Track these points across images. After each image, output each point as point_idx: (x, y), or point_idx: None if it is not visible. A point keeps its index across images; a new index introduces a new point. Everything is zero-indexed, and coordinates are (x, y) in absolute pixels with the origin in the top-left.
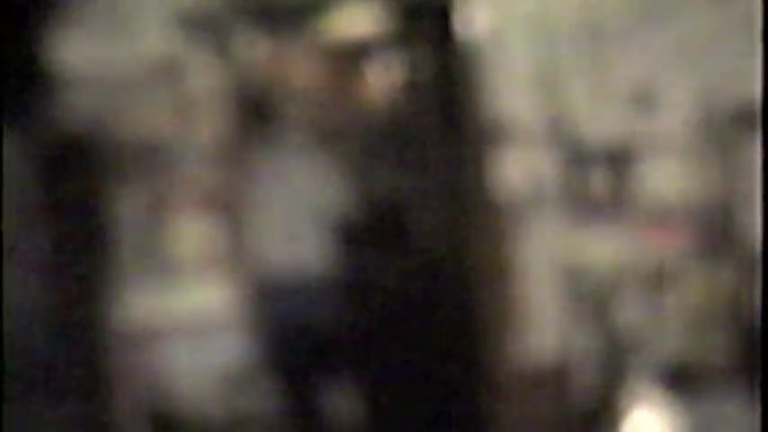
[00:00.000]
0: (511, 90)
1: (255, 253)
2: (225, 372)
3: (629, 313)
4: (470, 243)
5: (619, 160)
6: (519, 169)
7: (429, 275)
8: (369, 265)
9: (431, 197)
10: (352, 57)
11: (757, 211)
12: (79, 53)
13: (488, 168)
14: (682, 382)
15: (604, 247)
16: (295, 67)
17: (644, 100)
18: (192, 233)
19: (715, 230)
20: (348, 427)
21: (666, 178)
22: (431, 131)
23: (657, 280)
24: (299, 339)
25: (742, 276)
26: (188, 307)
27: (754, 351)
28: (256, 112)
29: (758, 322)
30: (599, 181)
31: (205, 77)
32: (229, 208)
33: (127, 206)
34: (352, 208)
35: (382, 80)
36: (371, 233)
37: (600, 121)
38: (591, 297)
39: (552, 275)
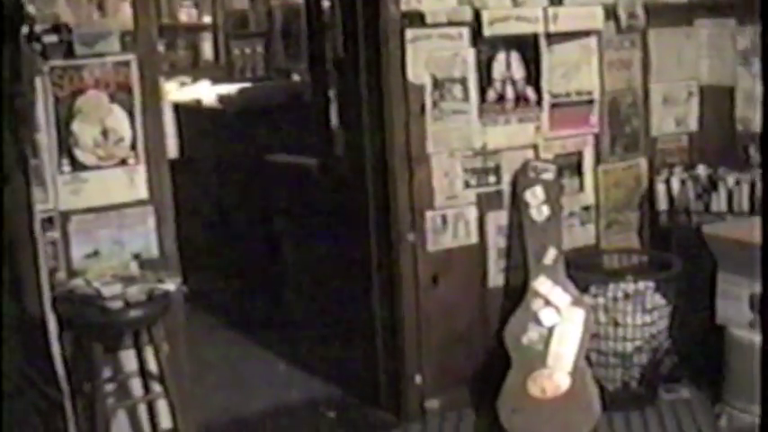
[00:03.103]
0: None
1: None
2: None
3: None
4: (388, 125)
5: (527, 49)
6: (432, 57)
7: (352, 155)
8: (293, 144)
9: (350, 84)
10: None
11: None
12: None
13: (404, 56)
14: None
15: (509, 133)
16: None
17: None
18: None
19: (619, 119)
20: None
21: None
22: (351, 24)
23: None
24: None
25: (644, 160)
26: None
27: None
28: None
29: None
30: (506, 69)
31: None
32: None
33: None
34: (273, 91)
35: None
36: (292, 114)
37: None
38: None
39: (461, 156)
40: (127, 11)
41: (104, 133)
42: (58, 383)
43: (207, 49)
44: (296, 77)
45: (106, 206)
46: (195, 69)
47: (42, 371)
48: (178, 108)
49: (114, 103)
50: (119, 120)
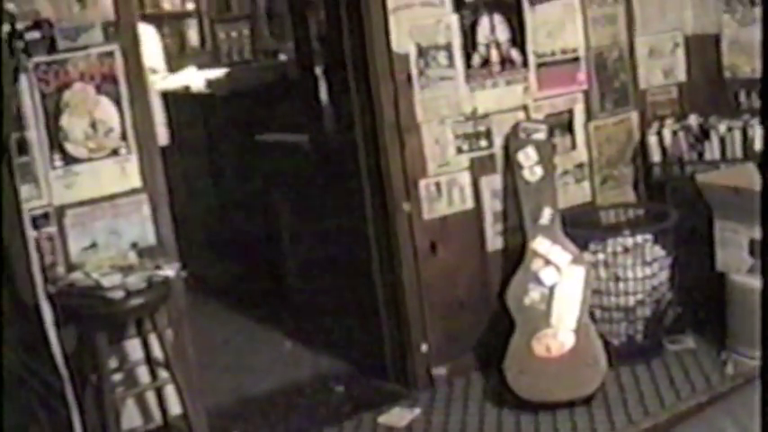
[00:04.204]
0: None
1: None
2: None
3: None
4: (376, 96)
5: (510, 10)
6: (415, 25)
7: (342, 130)
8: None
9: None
10: None
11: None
12: None
13: (387, 26)
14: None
15: (497, 96)
16: None
17: None
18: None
19: (606, 75)
20: None
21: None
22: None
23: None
24: None
25: (634, 114)
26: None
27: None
28: None
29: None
30: (490, 32)
31: None
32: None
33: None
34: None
35: None
36: (281, 94)
37: None
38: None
39: (451, 122)
40: (107, 2)
41: (93, 125)
42: (57, 370)
43: (192, 36)
44: (283, 57)
45: (100, 197)
46: (182, 56)
47: (42, 359)
48: (167, 96)
49: (101, 94)
50: (107, 111)
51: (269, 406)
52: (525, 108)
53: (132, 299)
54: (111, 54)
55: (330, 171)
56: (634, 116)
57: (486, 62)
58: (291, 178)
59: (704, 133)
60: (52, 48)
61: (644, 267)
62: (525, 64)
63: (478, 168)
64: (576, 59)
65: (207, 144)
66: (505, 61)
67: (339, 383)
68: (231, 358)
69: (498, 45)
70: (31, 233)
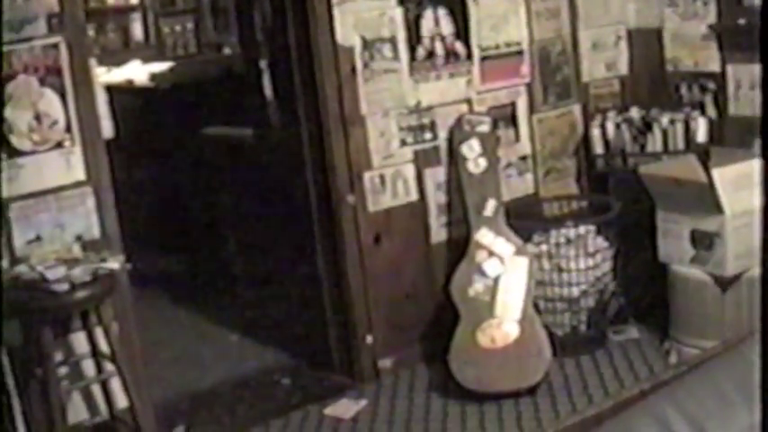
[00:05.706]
0: None
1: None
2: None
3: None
4: (320, 89)
5: (455, 4)
6: (360, 18)
7: (287, 123)
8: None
9: (281, 53)
10: None
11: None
12: None
13: (332, 20)
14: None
15: (441, 88)
16: None
17: None
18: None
19: (550, 68)
20: None
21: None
22: None
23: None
24: None
25: (577, 107)
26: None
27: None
28: None
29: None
30: (434, 25)
31: None
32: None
33: None
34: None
35: None
36: (225, 88)
37: None
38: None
39: (396, 115)
40: None
41: (38, 118)
42: None
43: (137, 30)
44: (227, 51)
45: (45, 190)
46: (126, 51)
47: None
48: (111, 89)
49: (45, 86)
50: (51, 103)
51: (215, 399)
52: (469, 101)
53: (77, 292)
54: (55, 46)
55: (275, 164)
56: (577, 109)
57: (430, 55)
58: (236, 172)
59: (646, 125)
60: None
61: (587, 258)
62: (469, 57)
63: (423, 161)
64: (520, 53)
65: (151, 138)
66: (449, 54)
67: (285, 376)
68: (177, 351)
69: (442, 38)
70: None
